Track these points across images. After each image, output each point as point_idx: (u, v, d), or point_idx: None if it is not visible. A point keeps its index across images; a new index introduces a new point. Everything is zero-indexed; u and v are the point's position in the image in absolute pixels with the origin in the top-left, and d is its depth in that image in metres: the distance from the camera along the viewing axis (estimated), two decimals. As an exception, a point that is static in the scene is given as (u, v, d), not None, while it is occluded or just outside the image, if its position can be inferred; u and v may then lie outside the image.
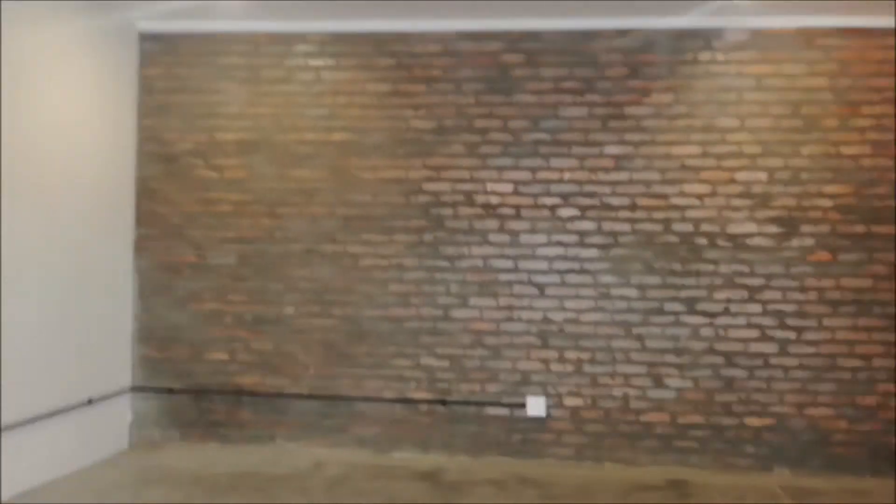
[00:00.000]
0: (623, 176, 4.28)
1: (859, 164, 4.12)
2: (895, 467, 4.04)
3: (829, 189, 4.15)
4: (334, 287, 4.44)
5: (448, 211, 4.40)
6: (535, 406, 4.32)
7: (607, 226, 4.28)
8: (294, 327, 4.46)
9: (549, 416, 4.30)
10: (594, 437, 4.26)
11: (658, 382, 4.22)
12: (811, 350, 4.13)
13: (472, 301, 4.38)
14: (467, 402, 4.35)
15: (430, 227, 4.41)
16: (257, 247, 4.51)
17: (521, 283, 4.34)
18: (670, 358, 4.22)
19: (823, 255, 4.14)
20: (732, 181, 4.20)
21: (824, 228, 4.14)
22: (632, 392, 4.24)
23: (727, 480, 4.00)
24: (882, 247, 4.09)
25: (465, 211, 4.39)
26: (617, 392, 4.25)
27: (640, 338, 4.24)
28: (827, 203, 4.14)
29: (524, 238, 4.35)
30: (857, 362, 4.11)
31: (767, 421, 4.14)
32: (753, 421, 4.16)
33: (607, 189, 4.29)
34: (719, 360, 4.19)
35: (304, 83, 4.51)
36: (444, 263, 4.39)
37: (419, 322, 4.39)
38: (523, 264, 4.34)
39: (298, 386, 4.45)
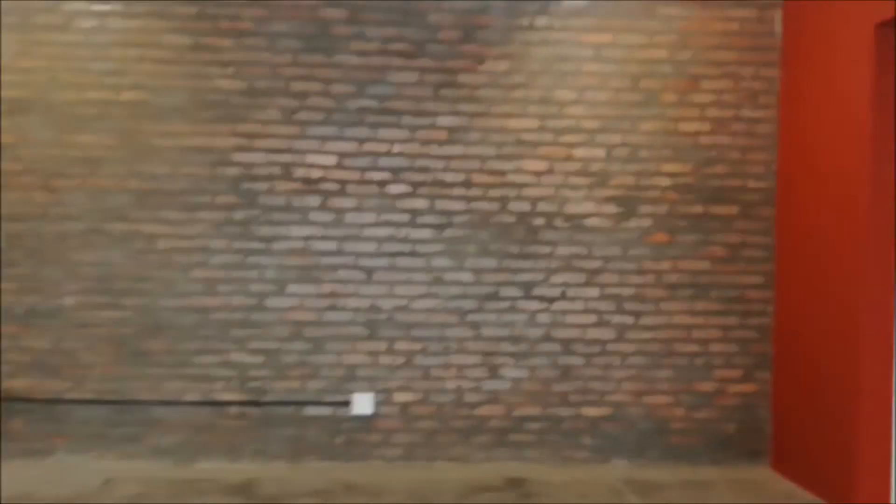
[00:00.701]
0: (457, 150, 4.45)
1: (698, 141, 4.51)
2: (733, 456, 4.52)
3: (668, 168, 4.51)
4: (125, 273, 4.34)
5: (262, 185, 4.40)
6: (362, 404, 4.44)
7: (441, 204, 4.45)
8: (75, 321, 4.32)
9: (376, 414, 4.43)
10: (426, 434, 4.44)
11: (493, 373, 4.45)
12: (649, 335, 4.50)
13: (291, 288, 4.42)
14: (285, 403, 4.40)
15: (241, 203, 4.39)
16: (29, 226, 4.31)
17: (346, 267, 4.43)
18: (506, 346, 4.46)
19: (661, 237, 4.51)
20: (570, 158, 4.48)
21: (662, 209, 4.50)
22: (466, 384, 4.45)
23: (566, 476, 4.30)
24: (720, 228, 4.52)
25: (281, 186, 4.41)
26: (450, 385, 4.45)
27: (474, 325, 4.45)
28: (665, 182, 4.51)
29: (349, 217, 4.43)
30: (694, 347, 4.53)
31: (605, 410, 4.49)
32: (591, 411, 4.48)
33: (440, 164, 4.45)
34: (556, 347, 4.48)
35: (86, 31, 4.33)
36: (258, 245, 4.40)
37: (228, 313, 4.38)
38: (348, 246, 4.43)
39: (82, 390, 4.32)
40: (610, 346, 4.49)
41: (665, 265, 4.51)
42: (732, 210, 4.52)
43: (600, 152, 4.48)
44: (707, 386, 4.53)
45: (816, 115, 4.14)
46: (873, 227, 3.65)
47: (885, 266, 3.60)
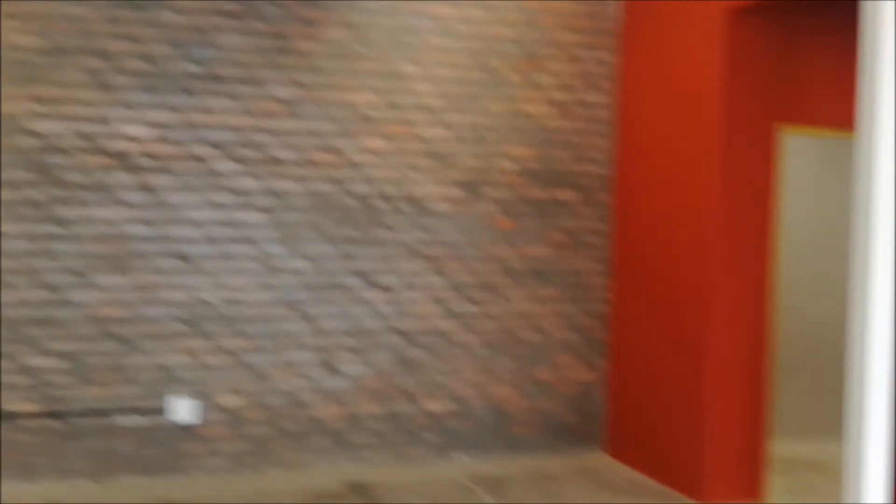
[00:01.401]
0: (293, 124, 4.59)
1: (542, 124, 5.02)
2: (570, 443, 5.11)
3: (513, 151, 4.98)
4: None
5: (64, 159, 4.24)
6: (183, 410, 4.45)
7: (275, 184, 4.56)
8: None
9: (200, 421, 4.48)
10: (256, 441, 4.56)
11: (332, 370, 4.67)
12: (492, 325, 4.95)
13: (98, 279, 4.32)
14: (90, 413, 4.30)
15: (38, 180, 4.20)
16: None
17: (164, 255, 4.41)
18: (346, 340, 4.69)
19: (506, 222, 4.97)
20: (415, 137, 4.79)
21: (507, 193, 4.96)
22: (301, 384, 4.63)
23: (408, 476, 4.63)
24: (561, 213, 5.06)
25: (88, 160, 4.28)
26: (284, 385, 4.60)
27: (312, 318, 4.63)
28: (510, 166, 4.97)
29: (169, 197, 4.41)
30: (536, 335, 5.05)
31: (448, 404, 4.88)
32: (434, 405, 4.85)
33: (274, 139, 4.56)
34: (399, 339, 4.79)
35: None
36: (59, 230, 4.24)
37: (22, 309, 4.19)
38: (167, 230, 4.41)
39: None
40: (454, 337, 4.88)
41: (509, 251, 4.97)
42: (573, 196, 5.08)
43: (446, 132, 4.83)
44: (548, 374, 5.07)
45: (648, 101, 4.78)
46: (704, 215, 4.34)
47: (715, 252, 4.29)
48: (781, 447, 5.43)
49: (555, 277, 5.05)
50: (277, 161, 4.55)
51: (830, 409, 5.58)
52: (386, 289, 4.74)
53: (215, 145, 4.46)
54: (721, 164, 4.16)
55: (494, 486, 4.49)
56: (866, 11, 2.89)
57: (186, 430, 4.43)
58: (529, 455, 5.02)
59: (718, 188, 4.17)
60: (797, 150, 5.51)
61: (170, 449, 4.41)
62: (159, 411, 4.38)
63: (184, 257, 4.42)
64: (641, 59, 4.87)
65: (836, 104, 4.37)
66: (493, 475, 4.68)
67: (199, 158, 4.43)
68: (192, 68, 4.41)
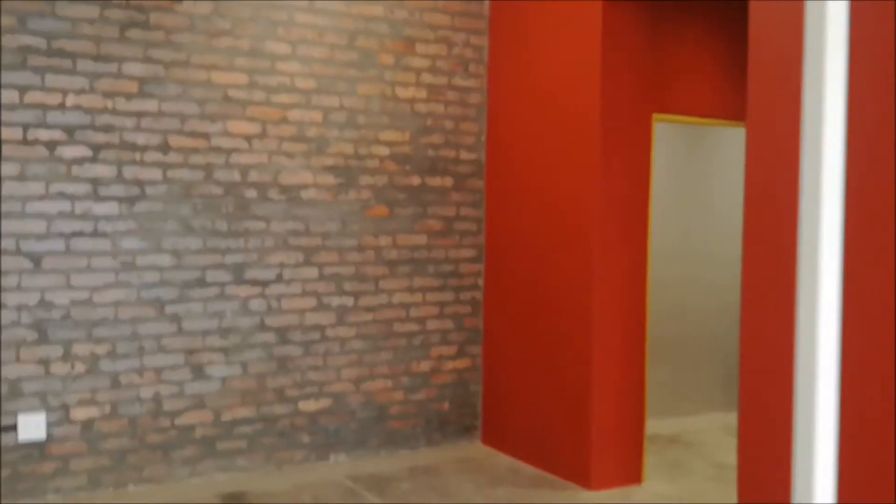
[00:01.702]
0: (151, 105, 4.38)
1: (414, 109, 5.09)
2: (448, 435, 5.27)
3: (386, 136, 5.02)
4: None
5: None
6: (30, 426, 4.17)
7: (130, 172, 4.34)
8: None
9: (50, 437, 4.21)
10: (115, 455, 4.35)
11: (199, 373, 4.54)
12: (369, 317, 5.00)
13: (-77, 283, 3.95)
14: (-80, 436, 3.94)
15: None
16: None
17: (4, 253, 4.09)
18: (214, 341, 4.57)
19: (381, 210, 5.02)
20: (285, 120, 4.72)
21: (381, 180, 5.01)
22: (165, 390, 4.46)
23: (286, 482, 4.59)
24: (436, 200, 5.17)
25: None
26: (146, 393, 4.42)
27: (175, 318, 4.47)
28: (384, 151, 5.01)
29: (8, 187, 4.09)
30: (413, 326, 5.15)
31: (324, 403, 4.88)
32: (309, 405, 4.84)
33: (129, 122, 4.33)
34: (271, 337, 4.73)
35: None
36: None
37: None
38: (7, 226, 4.09)
39: None
40: (329, 332, 4.88)
41: (384, 240, 5.02)
42: (447, 182, 5.21)
43: (317, 115, 4.79)
44: (424, 365, 5.19)
45: (521, 87, 4.99)
46: (581, 200, 4.61)
47: (592, 238, 4.57)
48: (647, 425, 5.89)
49: (430, 266, 5.17)
50: (133, 146, 4.33)
51: (682, 389, 6.10)
52: (256, 283, 4.66)
53: (61, 128, 4.18)
54: (600, 150, 4.44)
55: (377, 485, 4.56)
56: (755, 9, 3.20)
57: (35, 448, 4.16)
58: (409, 450, 5.13)
59: (597, 174, 4.44)
60: (662, 135, 5.95)
61: (16, 470, 4.12)
62: (3, 429, 4.08)
63: (29, 255, 4.12)
64: (513, 43, 5.06)
65: (699, 94, 4.78)
66: (374, 474, 4.74)
67: (42, 143, 4.14)
68: (35, 41, 4.10)
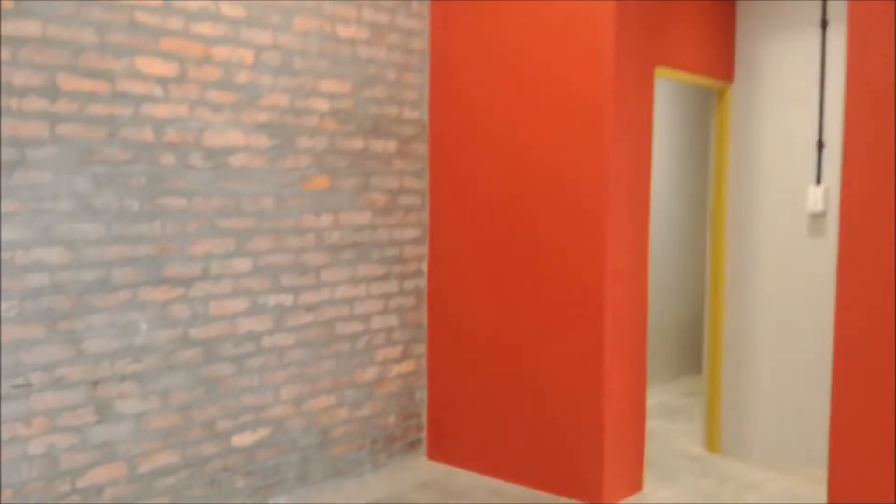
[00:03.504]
0: (32, 28, 2.99)
1: (356, 53, 4.05)
2: (395, 453, 4.33)
3: (326, 86, 3.94)
4: None
5: None
6: None
7: (4, 127, 2.94)
8: None
9: None
10: (-7, 542, 2.99)
11: (106, 412, 3.24)
12: (310, 318, 3.92)
13: None
14: None
15: None
16: None
17: None
18: (125, 366, 3.27)
19: (321, 181, 3.94)
20: (208, 60, 3.49)
21: (322, 142, 3.92)
22: (62, 440, 3.13)
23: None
24: (379, 168, 4.17)
25: None
26: (35, 447, 3.06)
27: (73, 338, 3.13)
28: (323, 105, 3.93)
29: None
30: (356, 326, 4.14)
31: (262, 433, 3.74)
32: (244, 439, 3.69)
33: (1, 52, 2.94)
34: (198, 353, 3.51)
35: None
36: None
37: None
38: None
39: None
40: (266, 341, 3.75)
41: (326, 220, 3.96)
42: (390, 146, 4.23)
43: (247, 55, 3.61)
44: (369, 373, 4.20)
45: (473, 29, 4.15)
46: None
47: (594, 217, 3.86)
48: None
49: (374, 250, 4.18)
50: (9, 89, 2.93)
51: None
52: (178, 283, 3.42)
53: None
54: (609, 109, 3.73)
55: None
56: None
57: None
58: (356, 478, 4.11)
59: (603, 138, 3.73)
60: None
61: None
62: None
63: None
64: (464, -24, 4.19)
65: (695, 49, 4.23)
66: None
67: None
68: None
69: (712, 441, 4.73)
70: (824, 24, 4.13)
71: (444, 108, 4.32)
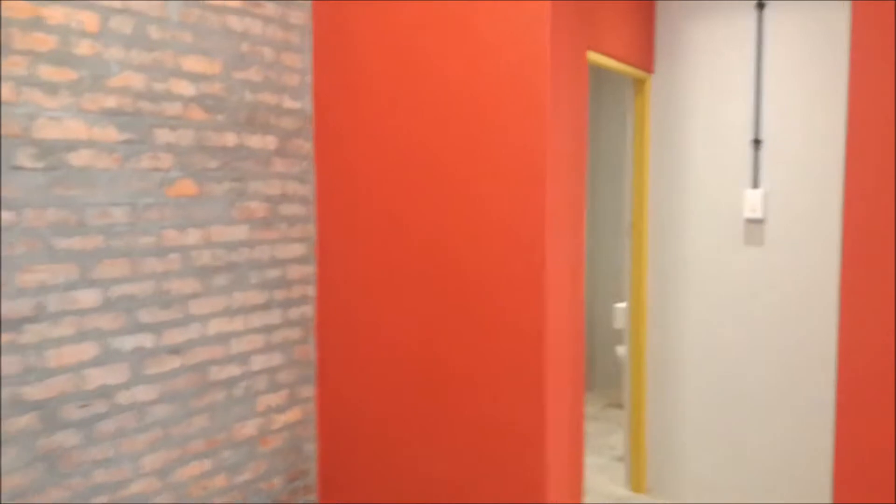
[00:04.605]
0: None
1: (227, 24, 3.29)
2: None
3: (191, 63, 3.16)
4: None
5: None
6: None
7: None
8: None
9: None
10: None
11: None
12: (176, 363, 3.13)
13: None
14: None
15: None
16: None
17: None
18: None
19: (187, 187, 3.17)
20: (39, 24, 2.65)
21: (186, 136, 3.15)
22: None
23: None
24: (257, 170, 3.42)
25: None
26: None
27: None
28: (188, 89, 3.16)
29: None
30: (234, 369, 3.38)
31: (116, 519, 2.94)
32: (96, 529, 2.87)
33: None
34: (34, 420, 2.67)
35: None
36: None
37: None
38: None
39: None
40: (121, 397, 2.93)
41: (194, 236, 3.19)
42: (270, 142, 3.51)
43: (90, 20, 2.79)
44: (250, 427, 3.45)
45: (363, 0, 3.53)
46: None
47: (524, 224, 3.33)
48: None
49: (252, 272, 3.44)
50: None
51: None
52: (7, 323, 2.57)
53: None
54: (547, 96, 3.20)
55: None
56: None
57: None
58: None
59: (540, 130, 3.20)
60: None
61: None
62: None
63: None
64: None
65: (620, 35, 3.80)
66: None
67: None
68: None
69: (637, 481, 4.32)
70: (761, 5, 3.82)
71: (331, 97, 3.66)
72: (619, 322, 5.12)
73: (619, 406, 6.11)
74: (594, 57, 3.58)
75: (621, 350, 5.54)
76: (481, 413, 3.38)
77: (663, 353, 4.24)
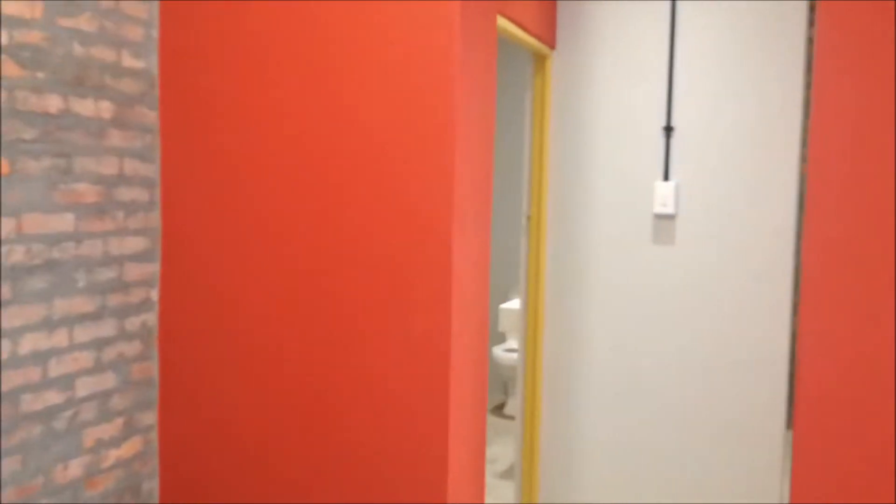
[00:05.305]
0: None
1: (45, -46, 2.62)
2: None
3: (1, 3, 2.47)
4: None
5: None
6: None
7: None
8: None
9: None
10: None
11: None
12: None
13: None
14: None
15: None
16: None
17: None
18: None
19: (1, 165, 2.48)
20: None
21: (-8, 97, 2.46)
22: None
23: None
24: (86, 145, 2.73)
25: None
26: None
27: None
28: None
29: None
30: (54, 397, 2.69)
31: None
32: None
33: None
34: None
35: None
36: None
37: None
38: None
39: None
40: None
41: (4, 227, 2.50)
42: (104, 109, 2.84)
43: None
44: (74, 468, 2.79)
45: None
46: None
47: (431, 213, 2.84)
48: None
49: (80, 273, 2.78)
50: None
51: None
52: None
53: None
54: (457, 63, 2.72)
55: None
56: None
57: None
58: None
59: (450, 104, 2.71)
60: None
61: None
62: None
63: None
64: None
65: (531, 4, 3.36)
66: None
67: None
68: None
69: (528, 499, 3.95)
70: (679, -22, 3.50)
71: (183, 56, 3.03)
72: (504, 325, 4.74)
73: (499, 411, 5.76)
74: (502, 23, 3.13)
75: (497, 351, 5.19)
76: (373, 435, 2.88)
77: (561, 360, 3.88)
